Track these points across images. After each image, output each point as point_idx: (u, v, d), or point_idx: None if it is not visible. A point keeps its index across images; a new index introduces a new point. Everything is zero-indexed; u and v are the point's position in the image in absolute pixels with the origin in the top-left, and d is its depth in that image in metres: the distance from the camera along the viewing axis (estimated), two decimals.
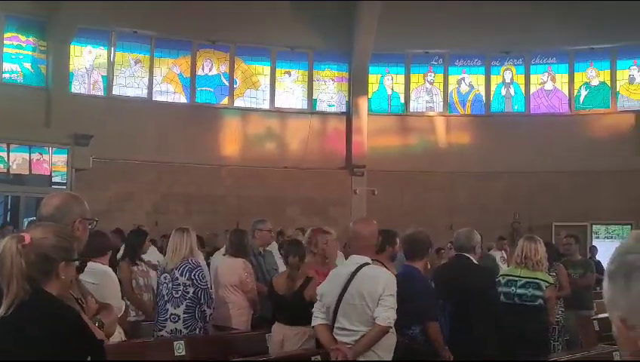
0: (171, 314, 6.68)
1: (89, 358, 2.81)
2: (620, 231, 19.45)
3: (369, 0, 18.99)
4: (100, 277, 5.36)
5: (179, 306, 6.68)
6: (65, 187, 16.81)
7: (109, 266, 6.43)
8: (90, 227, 3.65)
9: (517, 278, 6.87)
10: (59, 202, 3.48)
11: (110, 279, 5.89)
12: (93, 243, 5.77)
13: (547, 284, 6.82)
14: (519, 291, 6.82)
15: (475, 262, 6.32)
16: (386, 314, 4.91)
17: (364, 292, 4.99)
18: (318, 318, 5.28)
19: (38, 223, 3.08)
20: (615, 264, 1.44)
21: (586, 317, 8.43)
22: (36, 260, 2.79)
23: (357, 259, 5.19)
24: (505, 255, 13.68)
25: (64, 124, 16.82)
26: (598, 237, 19.47)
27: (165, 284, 6.78)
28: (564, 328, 8.32)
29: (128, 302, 7.71)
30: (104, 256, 6.23)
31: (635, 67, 19.96)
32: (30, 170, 16.86)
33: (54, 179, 16.99)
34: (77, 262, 3.04)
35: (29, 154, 16.88)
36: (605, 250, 14.16)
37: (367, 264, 5.14)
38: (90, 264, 4.44)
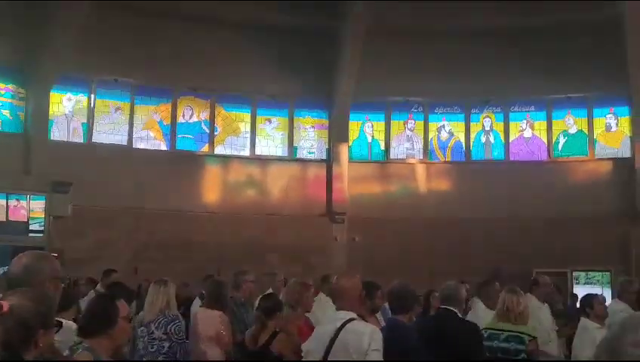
0: None
1: None
2: (600, 277, 19.47)
3: (350, 48, 19.20)
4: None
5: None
6: (42, 234, 16.60)
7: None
8: (62, 285, 3.59)
9: (499, 332, 6.78)
10: (28, 262, 3.40)
11: None
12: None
13: (530, 338, 6.74)
14: (502, 345, 6.71)
15: (460, 316, 6.25)
16: None
17: (350, 348, 4.92)
18: None
19: (15, 289, 2.98)
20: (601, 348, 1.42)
21: None
22: (15, 328, 2.71)
23: (342, 315, 5.13)
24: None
25: (43, 170, 16.70)
26: (578, 283, 19.46)
27: (141, 338, 6.66)
28: None
29: None
30: (68, 311, 5.98)
31: (611, 115, 20.19)
32: (7, 216, 16.64)
33: (31, 227, 16.76)
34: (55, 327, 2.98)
35: (7, 200, 16.68)
36: None
37: (353, 319, 5.08)
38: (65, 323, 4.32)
